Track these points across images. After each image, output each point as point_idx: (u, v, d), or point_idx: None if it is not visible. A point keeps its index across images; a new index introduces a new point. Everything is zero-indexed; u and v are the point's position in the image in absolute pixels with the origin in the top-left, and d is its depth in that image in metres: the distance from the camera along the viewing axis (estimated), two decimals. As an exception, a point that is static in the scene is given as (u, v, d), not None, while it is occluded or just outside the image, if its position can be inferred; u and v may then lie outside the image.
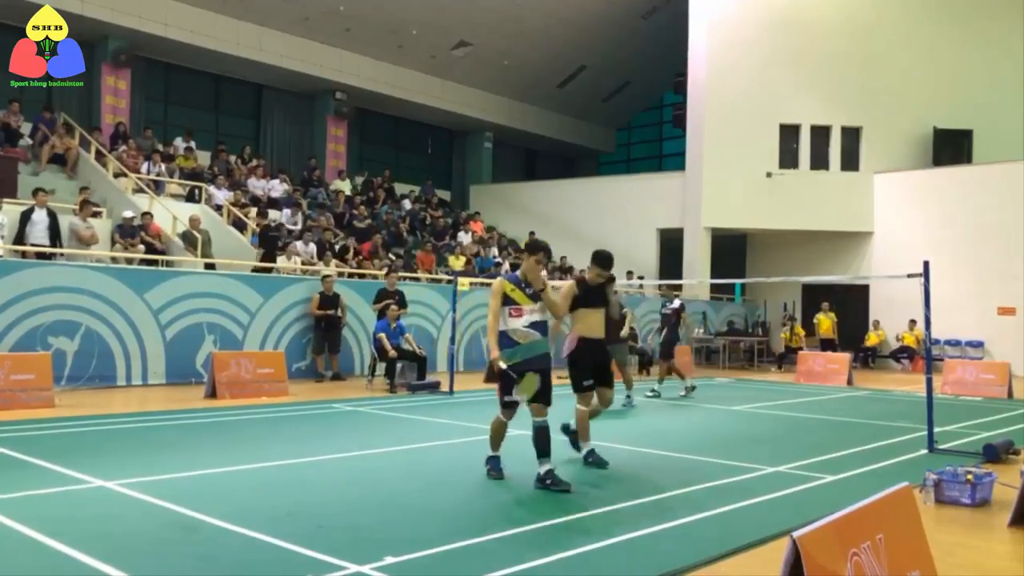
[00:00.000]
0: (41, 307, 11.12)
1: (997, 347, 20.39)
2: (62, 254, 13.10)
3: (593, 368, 7.16)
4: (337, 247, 18.03)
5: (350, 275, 16.17)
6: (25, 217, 13.07)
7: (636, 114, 33.07)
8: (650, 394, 13.04)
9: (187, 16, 20.47)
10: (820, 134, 23.31)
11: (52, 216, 13.33)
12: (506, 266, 22.06)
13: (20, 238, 12.87)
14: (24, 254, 12.57)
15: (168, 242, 15.69)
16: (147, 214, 15.51)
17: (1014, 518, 5.47)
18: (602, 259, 7.22)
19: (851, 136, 23.39)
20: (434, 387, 12.87)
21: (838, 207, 22.97)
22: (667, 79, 28.49)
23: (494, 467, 6.45)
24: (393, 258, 19.00)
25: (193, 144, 20.41)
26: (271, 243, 15.97)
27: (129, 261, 13.57)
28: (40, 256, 12.55)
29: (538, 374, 6.09)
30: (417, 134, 28.69)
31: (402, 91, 25.37)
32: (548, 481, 5.97)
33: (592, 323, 7.17)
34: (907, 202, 22.63)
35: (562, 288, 7.32)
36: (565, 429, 7.46)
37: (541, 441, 6.09)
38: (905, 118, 23.29)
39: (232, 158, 21.06)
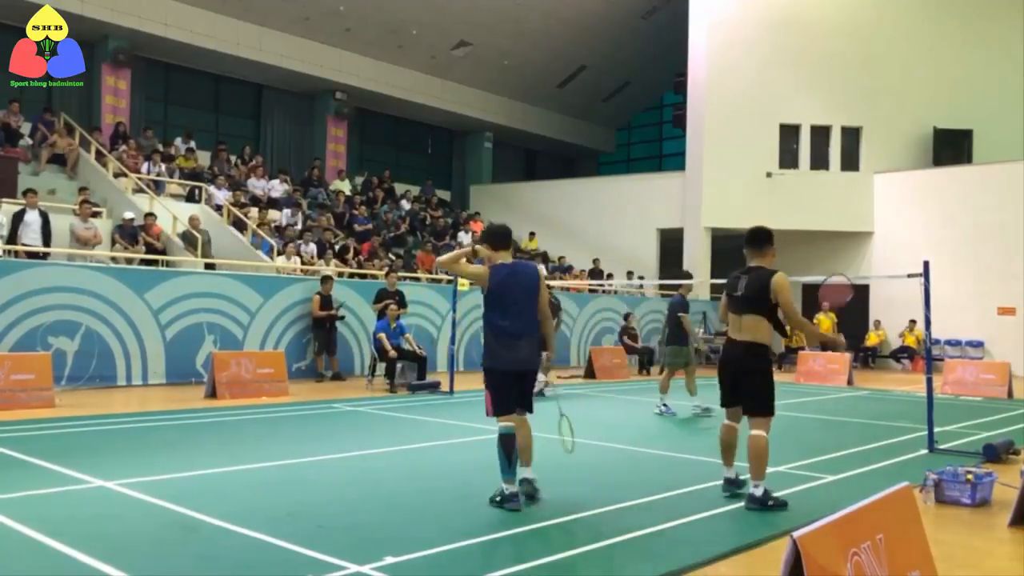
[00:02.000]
0: (41, 307, 11.12)
1: (997, 347, 20.39)
2: (50, 254, 13.03)
3: (732, 382, 5.88)
4: (337, 247, 18.03)
5: (350, 275, 16.18)
6: (17, 218, 13.03)
7: (636, 114, 33.06)
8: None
9: (187, 16, 20.47)
10: (820, 134, 23.30)
11: (44, 217, 13.31)
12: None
13: (12, 239, 12.84)
14: (16, 254, 12.54)
15: (168, 242, 15.69)
16: (150, 215, 15.50)
17: (1014, 518, 5.46)
18: (757, 237, 6.05)
19: (851, 136, 23.39)
20: (434, 387, 12.87)
21: (838, 207, 22.96)
22: (667, 79, 28.48)
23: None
24: (393, 258, 19.00)
25: (193, 144, 20.41)
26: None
27: (129, 261, 13.57)
28: (31, 256, 12.51)
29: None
30: (417, 134, 28.68)
31: (402, 91, 25.36)
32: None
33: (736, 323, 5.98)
34: (907, 202, 22.62)
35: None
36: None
37: None
38: (905, 118, 23.28)
39: (232, 158, 21.06)
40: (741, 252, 6.44)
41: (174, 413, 9.66)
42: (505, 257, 5.73)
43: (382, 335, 13.02)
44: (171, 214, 16.06)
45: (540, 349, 5.88)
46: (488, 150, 29.48)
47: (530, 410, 5.74)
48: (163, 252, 15.06)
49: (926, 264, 8.43)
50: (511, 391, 5.61)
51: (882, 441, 8.93)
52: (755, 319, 5.83)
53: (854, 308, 22.67)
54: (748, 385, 5.78)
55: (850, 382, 16.54)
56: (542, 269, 5.59)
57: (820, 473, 6.97)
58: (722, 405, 6.03)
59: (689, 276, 12.28)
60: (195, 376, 12.43)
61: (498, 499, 5.51)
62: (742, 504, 5.75)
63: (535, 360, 5.75)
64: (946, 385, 14.99)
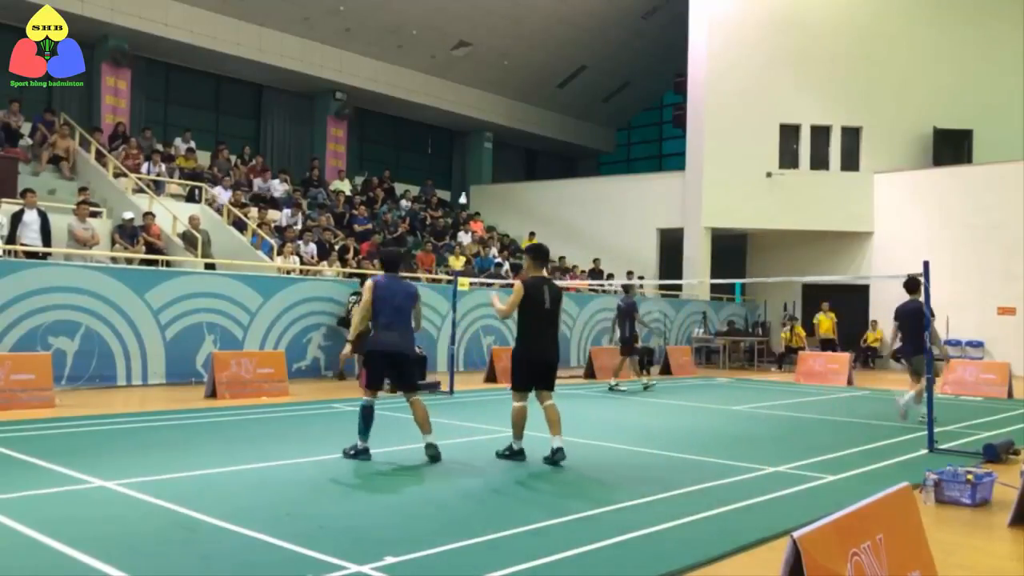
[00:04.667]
0: (41, 307, 11.12)
1: (997, 347, 20.39)
2: (51, 254, 13.04)
3: (541, 373, 7.34)
4: (337, 247, 18.03)
5: (350, 275, 16.17)
6: (16, 218, 13.02)
7: (636, 114, 33.07)
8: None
9: (187, 16, 20.47)
10: (820, 134, 23.31)
11: (43, 216, 13.31)
12: (506, 266, 22.06)
13: (11, 239, 12.83)
14: (15, 254, 12.54)
15: (168, 242, 15.69)
16: (148, 214, 15.50)
17: (1014, 518, 5.47)
18: (545, 253, 7.66)
19: (851, 136, 23.39)
20: (434, 387, 12.86)
21: (838, 207, 22.97)
22: (667, 79, 28.49)
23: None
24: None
25: (193, 144, 20.41)
26: None
27: (129, 261, 13.57)
28: (30, 256, 12.51)
29: None
30: (417, 134, 28.68)
31: (402, 91, 25.36)
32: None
33: None
34: (907, 202, 22.63)
35: None
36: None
37: None
38: (905, 118, 23.29)
39: (232, 158, 21.06)
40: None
41: (174, 413, 9.66)
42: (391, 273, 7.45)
43: (382, 335, 13.00)
44: (171, 214, 16.06)
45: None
46: (488, 150, 29.48)
47: (415, 391, 7.31)
48: (163, 251, 15.02)
49: (926, 264, 8.44)
50: (382, 370, 7.27)
51: (882, 441, 8.93)
52: (555, 325, 7.42)
53: (854, 308, 22.74)
54: (554, 373, 7.35)
55: (850, 382, 16.54)
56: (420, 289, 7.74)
57: (820, 473, 6.97)
58: (525, 389, 7.24)
59: (915, 284, 11.08)
60: (195, 376, 12.43)
61: (352, 452, 7.04)
62: (742, 504, 5.75)
63: (406, 348, 7.25)
64: (946, 385, 14.98)
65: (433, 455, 6.98)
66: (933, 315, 10.53)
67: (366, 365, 7.33)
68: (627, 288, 15.62)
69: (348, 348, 8.01)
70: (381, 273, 7.53)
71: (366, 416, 7.09)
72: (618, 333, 14.49)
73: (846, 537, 3.01)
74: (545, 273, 7.49)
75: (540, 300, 7.15)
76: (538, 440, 8.25)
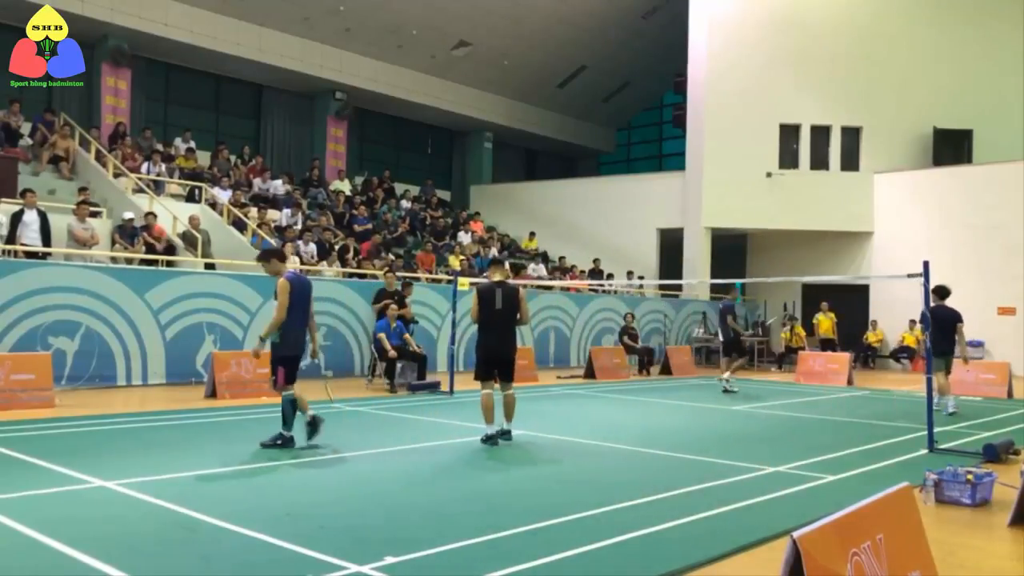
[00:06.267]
0: (41, 307, 11.12)
1: (997, 347, 20.38)
2: (50, 254, 13.03)
3: (497, 365, 8.25)
4: (337, 247, 18.03)
5: (350, 275, 16.17)
6: (16, 218, 13.01)
7: (636, 114, 33.06)
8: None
9: (187, 16, 20.47)
10: (820, 134, 23.31)
11: (43, 216, 13.30)
12: (506, 266, 22.04)
13: (11, 239, 12.82)
14: (15, 254, 12.53)
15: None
16: (150, 214, 15.48)
17: (1014, 518, 5.47)
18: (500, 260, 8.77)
19: (851, 136, 23.39)
20: (434, 387, 12.87)
21: (838, 207, 22.97)
22: (667, 79, 28.48)
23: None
24: (393, 258, 18.99)
25: (193, 144, 20.41)
26: None
27: (129, 261, 13.57)
28: (30, 256, 12.50)
29: None
30: (417, 134, 28.67)
31: (402, 91, 25.36)
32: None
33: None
34: (907, 202, 22.62)
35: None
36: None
37: None
38: (905, 118, 23.28)
39: (232, 158, 21.06)
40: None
41: (174, 413, 9.66)
42: (288, 266, 7.87)
43: (382, 335, 13.01)
44: (171, 214, 16.05)
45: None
46: (488, 150, 29.47)
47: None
48: (168, 251, 14.95)
49: (926, 264, 8.44)
50: (296, 368, 7.64)
51: (882, 441, 8.93)
52: (510, 322, 8.22)
53: (854, 308, 22.73)
54: (509, 365, 8.26)
55: (850, 382, 16.54)
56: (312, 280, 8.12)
57: (820, 473, 6.97)
58: (485, 379, 8.12)
59: (947, 292, 11.96)
60: (195, 376, 12.42)
61: (279, 442, 7.42)
62: (742, 504, 5.76)
63: (306, 347, 7.87)
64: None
65: (314, 427, 7.55)
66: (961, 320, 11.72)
67: (285, 366, 7.53)
68: (727, 289, 16.11)
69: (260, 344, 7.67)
70: (292, 269, 7.83)
71: (294, 407, 7.52)
72: (720, 335, 15.19)
73: (846, 537, 3.01)
74: (499, 277, 8.35)
75: (492, 302, 8.08)
76: (539, 440, 8.26)
